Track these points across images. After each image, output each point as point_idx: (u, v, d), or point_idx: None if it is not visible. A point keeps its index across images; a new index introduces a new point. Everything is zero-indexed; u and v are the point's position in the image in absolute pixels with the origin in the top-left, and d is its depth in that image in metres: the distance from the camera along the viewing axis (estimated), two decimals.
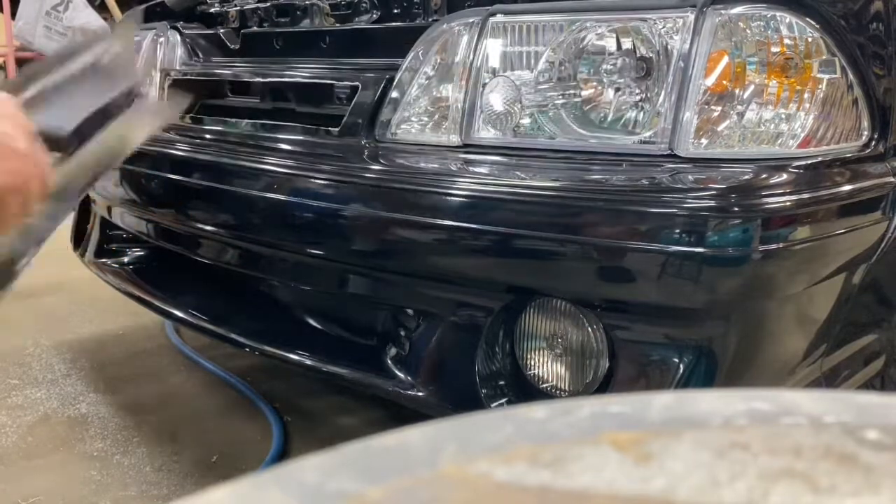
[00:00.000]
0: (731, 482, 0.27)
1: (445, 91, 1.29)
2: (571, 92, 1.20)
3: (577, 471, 0.28)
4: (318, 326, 1.53)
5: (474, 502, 0.26)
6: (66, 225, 2.34)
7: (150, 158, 1.63)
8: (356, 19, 1.66)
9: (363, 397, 1.90)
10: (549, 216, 1.07)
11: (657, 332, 1.11)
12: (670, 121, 1.09)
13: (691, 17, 1.10)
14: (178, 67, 1.90)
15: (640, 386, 1.12)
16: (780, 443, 0.29)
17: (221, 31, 1.94)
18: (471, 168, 1.20)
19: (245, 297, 1.72)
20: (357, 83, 1.40)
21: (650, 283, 1.03)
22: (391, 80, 1.35)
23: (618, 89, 1.18)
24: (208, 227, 1.53)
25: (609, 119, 1.19)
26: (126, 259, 2.04)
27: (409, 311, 1.34)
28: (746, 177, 1.03)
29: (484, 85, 1.23)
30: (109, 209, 1.94)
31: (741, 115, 1.10)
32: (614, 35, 1.18)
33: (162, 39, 1.97)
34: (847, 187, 1.12)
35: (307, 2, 1.73)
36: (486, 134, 1.23)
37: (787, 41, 1.10)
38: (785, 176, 1.05)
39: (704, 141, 1.09)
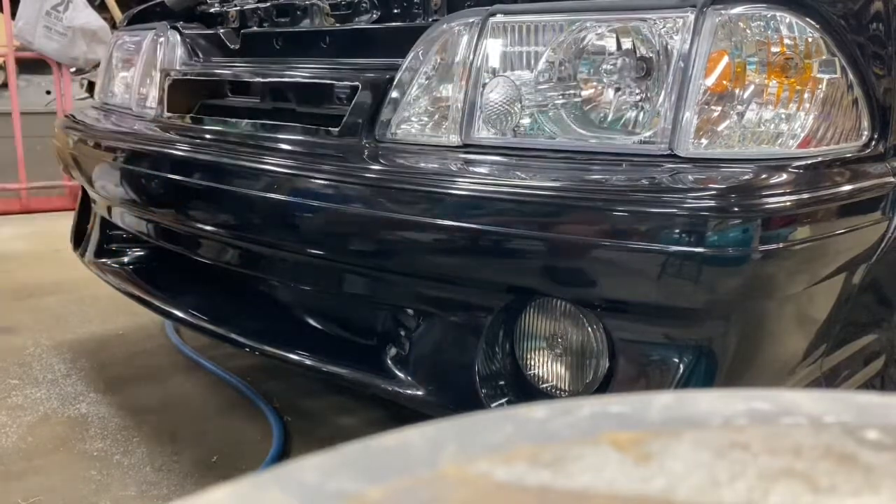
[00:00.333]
0: (731, 482, 0.27)
1: (445, 91, 1.29)
2: (571, 92, 1.20)
3: (577, 471, 0.28)
4: (318, 326, 1.53)
5: (474, 502, 0.26)
6: (67, 225, 2.34)
7: (150, 158, 1.63)
8: (356, 19, 1.66)
9: (363, 397, 1.90)
10: (550, 216, 1.07)
11: (657, 332, 1.11)
12: (670, 121, 1.09)
13: (691, 17, 1.10)
14: (178, 67, 1.90)
15: (640, 386, 1.12)
16: (780, 443, 0.29)
17: (221, 31, 1.94)
18: (471, 168, 1.20)
19: (245, 297, 1.72)
20: (357, 83, 1.40)
21: (650, 283, 1.02)
22: (391, 80, 1.35)
23: (618, 89, 1.18)
24: (208, 227, 1.53)
25: (609, 119, 1.19)
26: (126, 259, 2.04)
27: (409, 311, 1.34)
28: (746, 177, 1.03)
29: (484, 85, 1.23)
30: (109, 209, 1.94)
31: (741, 115, 1.10)
32: (614, 35, 1.18)
33: (162, 39, 1.97)
34: (847, 187, 1.12)
35: (307, 2, 1.73)
36: (485, 134, 1.23)
37: (787, 41, 1.10)
38: (785, 176, 1.05)
39: (704, 141, 1.09)
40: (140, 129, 1.81)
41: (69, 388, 2.02)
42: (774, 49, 1.10)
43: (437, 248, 1.17)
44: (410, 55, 1.33)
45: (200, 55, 1.95)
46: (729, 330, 1.08)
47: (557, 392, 1.22)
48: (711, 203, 0.98)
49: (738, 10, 1.09)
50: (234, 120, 1.64)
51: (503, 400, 1.22)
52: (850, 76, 1.14)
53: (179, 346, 2.29)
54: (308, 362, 1.41)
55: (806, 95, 1.11)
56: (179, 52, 1.93)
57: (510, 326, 1.22)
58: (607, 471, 0.28)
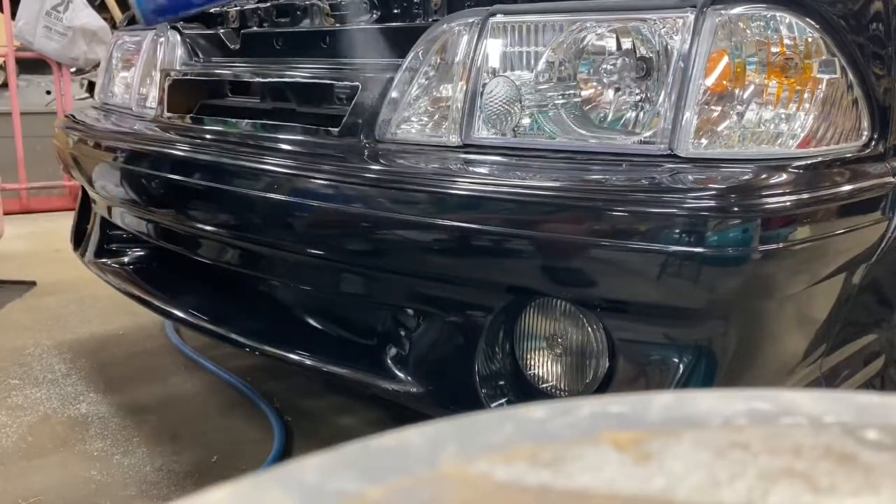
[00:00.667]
0: (731, 482, 0.27)
1: (445, 91, 1.29)
2: (571, 92, 1.20)
3: (577, 471, 0.28)
4: (318, 326, 1.53)
5: (474, 502, 0.26)
6: (67, 225, 2.34)
7: (150, 158, 1.63)
8: (356, 19, 1.66)
9: (363, 397, 1.90)
10: (549, 216, 1.07)
11: (657, 332, 1.11)
12: (670, 121, 1.09)
13: (691, 17, 1.10)
14: (178, 67, 1.90)
15: (639, 386, 1.12)
16: (780, 443, 0.29)
17: (221, 31, 1.94)
18: (471, 168, 1.20)
19: (245, 297, 1.72)
20: (357, 83, 1.40)
21: (650, 283, 1.03)
22: (391, 80, 1.35)
23: (618, 89, 1.18)
24: (208, 227, 1.53)
25: (609, 119, 1.19)
26: (126, 259, 2.04)
27: (410, 311, 1.34)
28: (746, 177, 1.03)
29: (484, 85, 1.23)
30: (109, 209, 1.94)
31: (741, 115, 1.10)
32: (614, 35, 1.18)
33: (162, 39, 1.97)
34: (847, 187, 1.12)
35: (307, 2, 1.73)
36: (485, 134, 1.23)
37: (786, 41, 1.10)
38: (785, 176, 1.05)
39: (704, 141, 1.09)
40: (140, 129, 1.81)
41: (69, 388, 2.02)
42: (774, 49, 1.10)
43: (437, 249, 1.17)
44: (410, 55, 1.33)
45: (200, 55, 1.95)
46: (729, 330, 1.08)
47: (557, 392, 1.22)
48: (711, 203, 0.98)
49: (738, 10, 1.09)
50: (234, 120, 1.64)
51: (503, 400, 1.22)
52: (850, 76, 1.14)
53: (179, 346, 2.29)
54: (308, 362, 1.41)
55: (806, 95, 1.11)
56: (179, 52, 1.93)
57: (510, 326, 1.22)
58: (607, 471, 0.28)
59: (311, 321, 1.54)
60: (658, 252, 0.99)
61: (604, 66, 1.19)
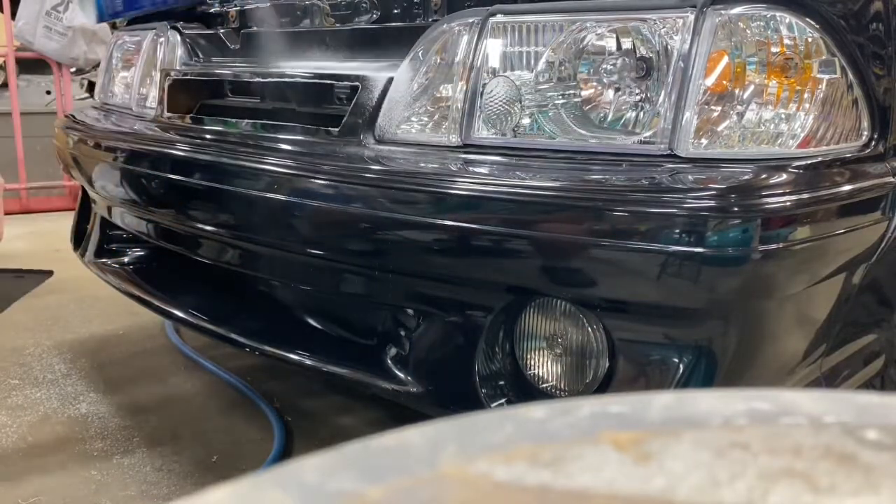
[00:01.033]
0: (731, 482, 0.27)
1: (445, 91, 1.29)
2: (571, 92, 1.20)
3: (577, 471, 0.28)
4: (318, 326, 1.53)
5: (474, 502, 0.26)
6: (67, 225, 2.34)
7: (150, 158, 1.63)
8: (356, 19, 1.66)
9: (363, 397, 1.90)
10: (549, 216, 1.07)
11: (657, 332, 1.11)
12: (670, 121, 1.09)
13: (691, 17, 1.10)
14: (178, 67, 1.90)
15: (639, 386, 1.12)
16: (780, 443, 0.29)
17: (221, 31, 1.94)
18: (471, 168, 1.20)
19: (245, 297, 1.72)
20: (357, 83, 1.40)
21: (650, 283, 1.03)
22: (391, 80, 1.35)
23: (618, 89, 1.18)
24: (208, 227, 1.53)
25: (609, 119, 1.19)
26: (126, 259, 2.04)
27: (410, 311, 1.34)
28: (746, 177, 1.03)
29: (484, 85, 1.23)
30: (109, 209, 1.94)
31: (741, 115, 1.10)
32: (614, 35, 1.18)
33: (162, 39, 1.97)
34: (847, 187, 1.12)
35: (307, 2, 1.73)
36: (485, 134, 1.23)
37: (786, 41, 1.10)
38: (785, 176, 1.05)
39: (704, 141, 1.09)
40: (140, 129, 1.81)
41: (69, 388, 2.02)
42: (774, 49, 1.10)
43: (436, 249, 1.17)
44: (410, 55, 1.33)
45: (200, 55, 1.95)
46: (729, 330, 1.08)
47: (557, 392, 1.22)
48: (711, 203, 0.98)
49: (738, 10, 1.09)
50: (234, 120, 1.64)
51: (503, 400, 1.22)
52: (850, 76, 1.14)
53: (179, 346, 2.29)
54: (308, 362, 1.41)
55: (806, 95, 1.11)
56: (179, 52, 1.93)
57: (510, 326, 1.22)
58: (607, 471, 0.28)
59: (311, 321, 1.54)
60: (658, 252, 0.99)
61: (604, 66, 1.19)
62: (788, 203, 1.02)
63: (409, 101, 1.33)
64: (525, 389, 1.23)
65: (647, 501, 0.26)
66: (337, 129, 1.39)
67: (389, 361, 1.34)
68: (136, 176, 1.67)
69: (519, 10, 1.25)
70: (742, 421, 0.31)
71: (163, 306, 1.74)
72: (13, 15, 4.28)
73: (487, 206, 1.10)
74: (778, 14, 1.10)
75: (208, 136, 1.61)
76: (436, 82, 1.31)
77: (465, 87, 1.24)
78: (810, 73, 1.11)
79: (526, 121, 1.21)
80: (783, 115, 1.10)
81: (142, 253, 2.04)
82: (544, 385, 1.22)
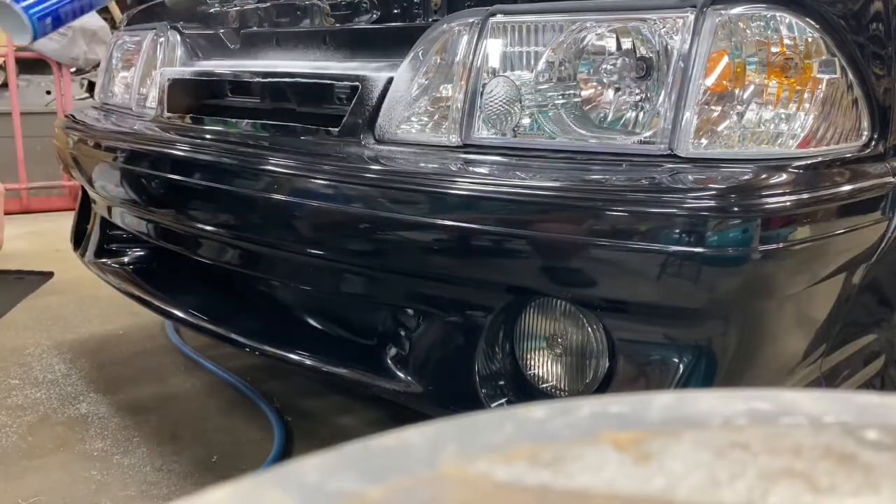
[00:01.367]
0: (731, 482, 0.27)
1: (445, 91, 1.29)
2: (571, 92, 1.20)
3: (577, 471, 0.28)
4: (318, 326, 1.53)
5: (474, 502, 0.26)
6: (67, 225, 2.34)
7: (150, 158, 1.63)
8: (356, 19, 1.66)
9: (363, 397, 1.90)
10: (549, 216, 1.07)
11: (657, 332, 1.11)
12: (670, 121, 1.09)
13: (691, 17, 1.10)
14: (178, 67, 1.90)
15: (639, 386, 1.12)
16: (780, 443, 0.29)
17: (221, 31, 1.94)
18: (470, 168, 1.20)
19: (245, 297, 1.72)
20: (357, 83, 1.40)
21: (650, 283, 1.03)
22: (391, 80, 1.35)
23: (618, 89, 1.18)
24: (208, 227, 1.53)
25: (609, 119, 1.19)
26: (126, 259, 2.04)
27: (410, 311, 1.34)
28: (746, 177, 1.03)
29: (484, 85, 1.23)
30: (109, 209, 1.94)
31: (741, 115, 1.10)
32: (614, 35, 1.18)
33: (162, 39, 1.97)
34: (847, 187, 1.12)
35: (307, 2, 1.73)
36: (485, 134, 1.23)
37: (786, 41, 1.10)
38: (785, 176, 1.05)
39: (704, 141, 1.09)
40: (140, 129, 1.81)
41: (69, 388, 2.02)
42: (774, 49, 1.10)
43: (436, 248, 1.17)
44: (410, 55, 1.33)
45: (200, 55, 1.95)
46: (729, 330, 1.08)
47: (557, 392, 1.22)
48: (711, 203, 0.98)
49: (738, 10, 1.09)
50: (234, 120, 1.64)
51: (503, 400, 1.22)
52: (850, 76, 1.14)
53: (179, 346, 2.29)
54: (308, 362, 1.41)
55: (806, 95, 1.11)
56: (179, 52, 1.93)
57: (510, 326, 1.22)
58: (607, 471, 0.28)
59: (311, 321, 1.54)
60: (658, 252, 0.99)
61: (604, 66, 1.19)
62: (788, 203, 1.02)
63: (409, 101, 1.33)
64: (525, 389, 1.23)
65: (647, 501, 0.26)
66: (337, 130, 1.39)
67: (389, 361, 1.34)
68: (136, 176, 1.67)
69: (519, 10, 1.25)
70: (742, 421, 0.31)
71: (163, 306, 1.74)
72: None
73: (487, 206, 1.10)
74: (778, 14, 1.10)
75: (208, 136, 1.61)
76: (436, 82, 1.31)
77: (465, 87, 1.24)
78: (810, 73, 1.11)
79: (526, 121, 1.21)
80: (783, 115, 1.10)
81: (142, 253, 2.04)
82: (544, 385, 1.22)
